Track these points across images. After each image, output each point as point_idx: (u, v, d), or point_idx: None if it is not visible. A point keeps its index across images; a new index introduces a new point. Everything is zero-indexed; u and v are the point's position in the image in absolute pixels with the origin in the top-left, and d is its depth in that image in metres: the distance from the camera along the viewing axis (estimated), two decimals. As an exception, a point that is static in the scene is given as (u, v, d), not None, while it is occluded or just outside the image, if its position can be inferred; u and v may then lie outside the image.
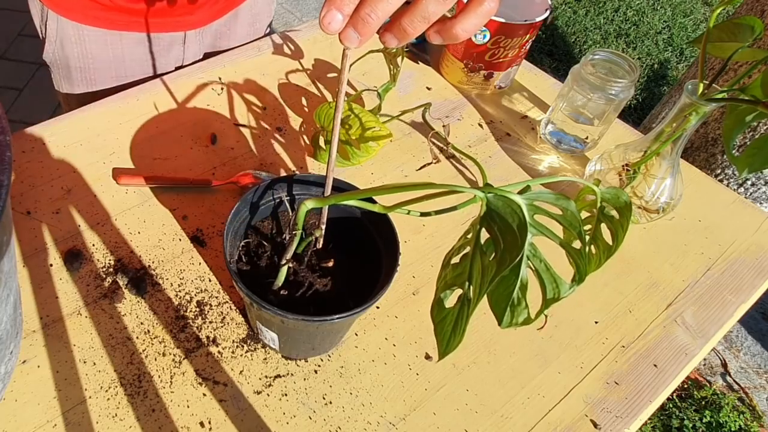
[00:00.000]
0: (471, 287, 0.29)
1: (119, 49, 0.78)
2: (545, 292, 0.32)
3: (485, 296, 0.29)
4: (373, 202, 0.36)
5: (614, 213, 0.37)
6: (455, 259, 0.32)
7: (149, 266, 0.58)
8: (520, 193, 0.30)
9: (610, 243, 0.38)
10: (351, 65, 0.73)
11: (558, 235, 0.32)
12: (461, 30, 0.33)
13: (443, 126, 0.72)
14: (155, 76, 0.82)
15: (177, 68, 0.83)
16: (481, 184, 0.69)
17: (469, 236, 0.31)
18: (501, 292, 0.30)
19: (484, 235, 0.29)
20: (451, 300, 0.31)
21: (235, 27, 0.88)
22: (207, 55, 0.88)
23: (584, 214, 0.38)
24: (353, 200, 0.36)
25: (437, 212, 0.34)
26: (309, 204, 0.39)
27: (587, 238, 0.33)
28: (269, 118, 0.74)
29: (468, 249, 0.30)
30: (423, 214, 0.35)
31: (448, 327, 0.30)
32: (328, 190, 0.41)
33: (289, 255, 0.43)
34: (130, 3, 0.73)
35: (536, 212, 0.30)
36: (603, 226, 0.38)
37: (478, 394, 0.52)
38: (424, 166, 0.70)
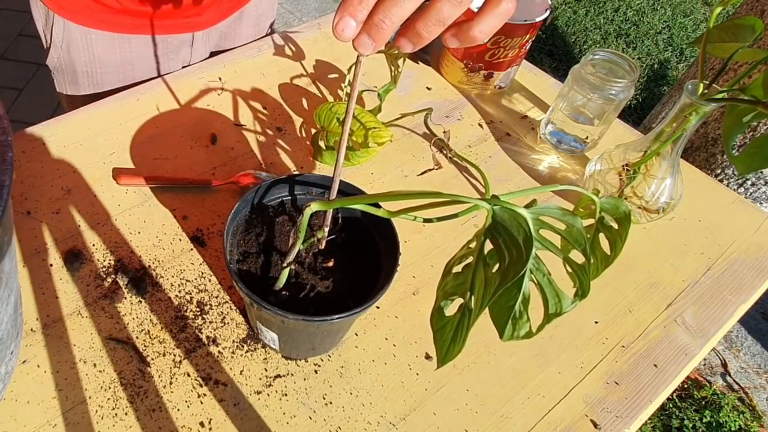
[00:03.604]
0: (473, 298, 0.29)
1: (127, 53, 0.78)
2: (547, 306, 0.32)
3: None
4: (378, 206, 0.36)
5: (613, 223, 0.37)
6: (457, 268, 0.32)
7: (149, 266, 0.58)
8: (527, 206, 0.30)
9: (608, 253, 0.38)
10: (350, 68, 0.73)
11: (561, 249, 0.32)
12: (479, 32, 0.32)
13: (444, 132, 0.72)
14: (161, 77, 0.82)
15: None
16: (482, 188, 0.69)
17: (472, 246, 0.31)
18: (503, 304, 0.30)
19: (488, 245, 0.29)
20: (451, 309, 0.31)
21: (239, 27, 0.88)
22: (210, 56, 0.88)
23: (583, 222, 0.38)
24: (358, 204, 0.36)
25: (439, 219, 0.34)
26: (314, 207, 0.38)
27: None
28: (269, 118, 0.74)
29: (471, 259, 0.30)
30: (426, 221, 0.35)
31: (448, 335, 0.30)
32: (334, 194, 0.41)
33: (291, 257, 0.43)
34: (139, 6, 0.73)
35: (542, 227, 0.30)
36: (601, 235, 0.38)
37: (478, 394, 0.52)
38: (425, 171, 0.70)
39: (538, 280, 0.31)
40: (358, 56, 0.34)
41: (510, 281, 0.27)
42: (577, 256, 0.33)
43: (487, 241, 0.29)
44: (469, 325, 0.29)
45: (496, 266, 0.28)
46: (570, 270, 0.33)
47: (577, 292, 0.33)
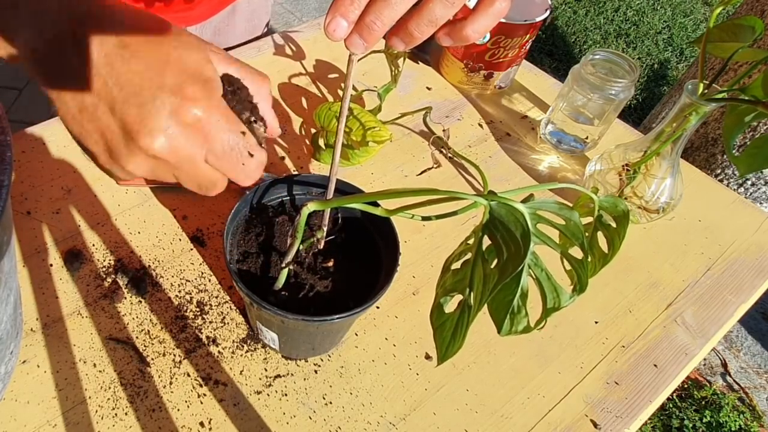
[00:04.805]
0: (472, 294, 0.29)
1: None
2: (545, 301, 0.32)
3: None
4: (376, 204, 0.36)
5: (611, 222, 0.37)
6: (456, 265, 0.32)
7: (149, 266, 0.58)
8: (524, 201, 0.30)
9: (606, 251, 0.38)
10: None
11: (559, 245, 0.32)
12: (472, 31, 0.32)
13: (443, 130, 0.72)
14: None
15: None
16: (481, 187, 0.69)
17: (471, 242, 0.31)
18: (501, 299, 0.30)
19: (486, 241, 0.29)
20: (450, 305, 0.31)
21: (233, 23, 0.88)
22: None
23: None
24: (355, 203, 0.36)
25: (438, 217, 0.34)
26: (311, 207, 0.38)
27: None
28: (269, 118, 0.74)
29: (469, 255, 0.30)
30: (424, 218, 0.35)
31: (448, 332, 0.30)
32: (331, 193, 0.41)
33: (290, 257, 0.43)
34: (132, 1, 0.73)
35: (539, 221, 0.30)
36: (599, 234, 0.38)
37: (478, 394, 0.52)
38: (425, 170, 0.70)
39: (536, 275, 0.31)
40: (350, 55, 0.34)
41: (508, 276, 0.27)
42: (575, 251, 0.33)
43: (485, 237, 0.29)
44: (469, 322, 0.29)
45: (495, 262, 0.28)
46: (568, 267, 0.33)
47: (575, 286, 0.33)
